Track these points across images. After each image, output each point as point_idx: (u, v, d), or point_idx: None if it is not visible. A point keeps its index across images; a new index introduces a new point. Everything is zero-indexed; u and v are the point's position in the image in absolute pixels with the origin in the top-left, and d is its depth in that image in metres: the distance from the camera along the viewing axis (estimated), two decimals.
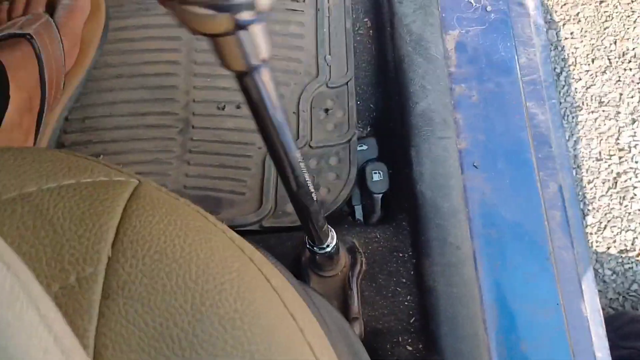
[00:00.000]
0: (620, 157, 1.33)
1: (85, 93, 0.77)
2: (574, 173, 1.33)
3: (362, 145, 0.75)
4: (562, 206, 0.75)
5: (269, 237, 0.67)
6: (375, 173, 0.71)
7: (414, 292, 0.63)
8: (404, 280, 0.63)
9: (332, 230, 0.56)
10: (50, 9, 0.76)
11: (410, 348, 0.62)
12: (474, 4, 0.78)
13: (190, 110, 0.77)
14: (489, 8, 0.79)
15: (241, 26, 0.25)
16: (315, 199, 0.46)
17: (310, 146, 0.76)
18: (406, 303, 0.63)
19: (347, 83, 0.78)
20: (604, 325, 0.72)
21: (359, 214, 0.73)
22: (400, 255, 0.64)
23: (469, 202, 0.67)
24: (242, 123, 0.77)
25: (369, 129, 0.79)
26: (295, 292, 0.29)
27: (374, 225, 0.69)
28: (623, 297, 1.23)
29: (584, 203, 1.30)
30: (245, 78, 0.29)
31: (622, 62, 1.41)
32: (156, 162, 0.73)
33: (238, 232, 0.69)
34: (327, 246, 0.56)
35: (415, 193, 0.64)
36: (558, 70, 1.42)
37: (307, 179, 0.43)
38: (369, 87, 0.80)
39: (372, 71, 0.81)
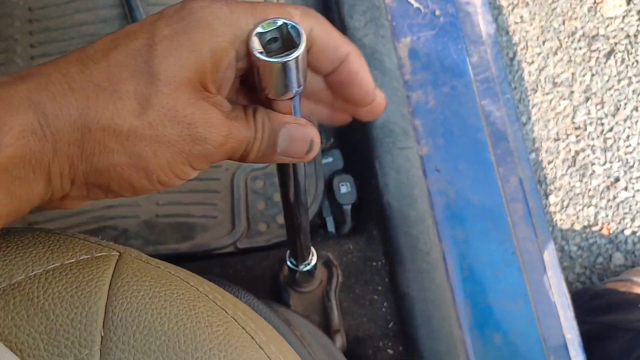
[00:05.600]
0: (577, 136, 1.38)
1: None
2: (534, 155, 1.37)
3: (327, 158, 0.77)
4: (524, 198, 0.79)
5: (246, 258, 0.69)
6: (343, 185, 0.73)
7: (390, 298, 0.65)
8: (380, 288, 0.66)
9: (313, 248, 0.59)
10: None
11: (391, 352, 0.65)
12: (423, 10, 0.81)
13: None
14: (437, 12, 0.81)
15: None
16: (308, 216, 0.47)
17: None
18: (383, 309, 0.65)
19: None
20: (571, 308, 0.76)
21: (330, 225, 0.75)
22: (374, 264, 0.67)
23: (435, 206, 0.70)
24: None
25: (332, 140, 0.81)
26: (277, 341, 0.31)
27: (347, 236, 0.72)
28: (590, 270, 1.29)
29: (546, 183, 1.35)
30: (277, 102, 0.31)
31: (572, 42, 1.46)
32: None
33: (214, 255, 0.71)
34: (309, 264, 0.58)
35: (382, 204, 0.67)
36: (510, 55, 1.46)
37: (306, 192, 0.44)
38: None
39: None
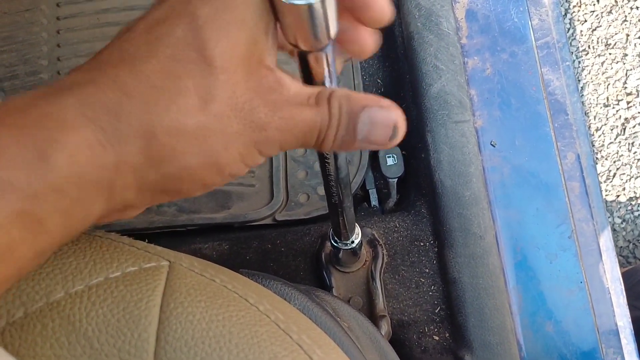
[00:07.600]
0: (628, 102, 1.30)
1: None
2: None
3: None
4: (581, 176, 0.73)
5: (285, 232, 0.66)
6: (389, 157, 0.69)
7: (438, 282, 0.62)
8: (427, 271, 0.62)
9: (357, 225, 0.55)
10: None
11: (437, 338, 0.61)
12: None
13: None
14: None
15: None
16: (350, 192, 0.45)
17: None
18: (430, 293, 0.62)
19: (350, 57, 0.75)
20: (624, 293, 0.72)
21: (374, 198, 0.71)
22: (422, 244, 0.63)
23: (489, 184, 0.65)
24: None
25: None
26: None
27: (392, 212, 0.67)
28: (633, 244, 1.24)
29: (593, 151, 1.29)
30: (309, 56, 0.29)
31: (628, 1, 1.36)
32: None
33: (252, 227, 0.67)
34: (352, 242, 0.55)
35: (434, 181, 0.62)
36: (562, 12, 1.37)
37: (348, 169, 0.41)
38: (375, 60, 0.76)
39: None
